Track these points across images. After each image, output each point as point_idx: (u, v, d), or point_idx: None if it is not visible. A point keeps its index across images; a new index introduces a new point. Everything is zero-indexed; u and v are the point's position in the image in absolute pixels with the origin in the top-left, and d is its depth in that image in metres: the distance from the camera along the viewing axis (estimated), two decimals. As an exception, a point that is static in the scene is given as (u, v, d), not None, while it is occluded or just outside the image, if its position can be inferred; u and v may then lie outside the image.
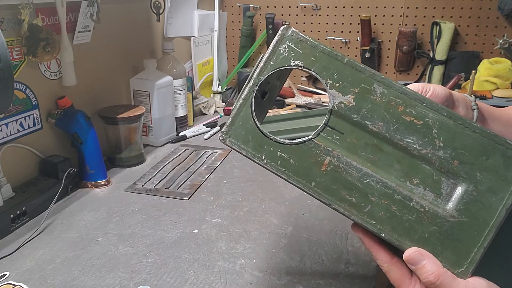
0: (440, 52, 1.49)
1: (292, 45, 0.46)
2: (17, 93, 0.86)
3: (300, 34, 0.46)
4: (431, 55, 1.52)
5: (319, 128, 0.45)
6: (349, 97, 0.44)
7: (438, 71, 1.51)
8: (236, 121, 0.46)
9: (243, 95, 0.46)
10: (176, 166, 1.06)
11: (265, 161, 0.45)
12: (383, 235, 0.43)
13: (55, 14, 0.92)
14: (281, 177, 0.45)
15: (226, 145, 0.46)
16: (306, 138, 0.45)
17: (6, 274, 0.66)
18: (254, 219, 0.82)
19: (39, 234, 0.77)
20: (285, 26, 0.47)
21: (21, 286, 0.63)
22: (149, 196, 0.91)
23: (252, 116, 0.46)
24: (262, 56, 0.46)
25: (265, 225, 0.80)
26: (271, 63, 0.46)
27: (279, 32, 0.46)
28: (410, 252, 0.42)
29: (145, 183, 0.97)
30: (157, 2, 1.29)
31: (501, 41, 1.45)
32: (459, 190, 0.42)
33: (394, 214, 0.42)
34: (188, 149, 1.17)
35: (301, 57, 0.46)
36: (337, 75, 0.45)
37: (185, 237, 0.76)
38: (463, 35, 1.51)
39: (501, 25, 1.46)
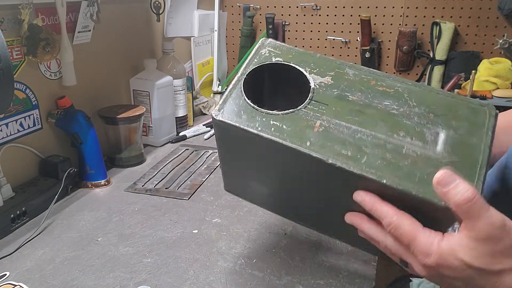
0: (440, 52, 1.49)
1: (272, 49, 0.54)
2: (17, 93, 0.86)
3: (277, 42, 0.55)
4: (431, 55, 1.52)
5: (305, 102, 0.49)
6: (327, 78, 0.50)
7: (438, 71, 1.51)
8: (228, 100, 0.50)
9: (233, 83, 0.51)
10: (176, 166, 1.06)
11: (259, 129, 0.47)
12: (384, 181, 0.43)
13: (55, 14, 0.92)
14: (276, 142, 0.47)
15: (219, 120, 0.49)
16: (296, 108, 0.48)
17: (6, 274, 0.66)
18: (254, 219, 0.82)
19: (39, 234, 0.77)
20: (263, 38, 0.55)
21: (21, 286, 0.63)
22: (149, 196, 0.91)
23: (243, 96, 0.50)
24: (248, 54, 0.54)
25: (265, 225, 0.80)
26: (255, 60, 0.53)
27: (259, 42, 0.54)
28: (441, 173, 0.40)
29: (145, 183, 0.97)
30: (157, 2, 1.29)
31: (501, 41, 1.45)
32: (442, 136, 0.45)
33: (390, 162, 0.44)
34: (188, 149, 1.17)
35: (280, 55, 0.53)
36: (313, 64, 0.52)
37: (185, 237, 0.76)
38: (463, 35, 1.51)
39: (501, 25, 1.46)
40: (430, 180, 0.42)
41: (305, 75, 0.51)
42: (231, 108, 0.49)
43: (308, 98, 0.49)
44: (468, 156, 0.43)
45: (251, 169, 0.57)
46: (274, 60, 0.52)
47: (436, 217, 0.43)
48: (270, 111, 0.48)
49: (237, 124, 0.48)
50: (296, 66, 0.51)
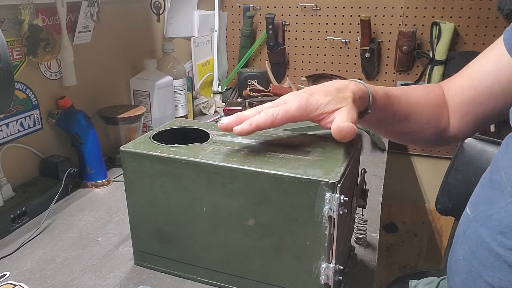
0: (440, 52, 1.49)
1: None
2: (17, 93, 0.86)
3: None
4: (431, 55, 1.52)
5: (203, 142, 0.61)
6: (223, 132, 0.63)
7: (437, 71, 1.51)
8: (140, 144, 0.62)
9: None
10: (176, 166, 1.06)
11: (159, 151, 0.58)
12: (262, 170, 0.52)
13: (55, 14, 0.92)
14: (173, 159, 0.56)
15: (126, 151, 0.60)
16: (193, 143, 0.60)
17: (6, 274, 0.66)
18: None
19: (39, 234, 0.77)
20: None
21: (21, 286, 0.63)
22: (149, 196, 0.91)
23: (150, 140, 0.62)
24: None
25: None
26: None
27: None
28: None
29: (145, 183, 0.97)
30: (157, 2, 1.29)
31: (501, 41, 1.45)
32: (311, 151, 0.57)
33: (268, 162, 0.54)
34: (188, 149, 1.18)
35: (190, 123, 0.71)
36: (214, 127, 0.67)
37: (185, 237, 0.76)
38: (463, 35, 1.51)
39: (501, 25, 1.46)
40: (299, 167, 0.52)
41: (207, 132, 0.64)
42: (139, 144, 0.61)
43: (206, 141, 0.61)
44: (332, 158, 0.55)
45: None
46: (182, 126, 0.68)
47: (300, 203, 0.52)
48: (170, 145, 0.60)
49: (140, 151, 0.58)
50: (199, 128, 0.66)
